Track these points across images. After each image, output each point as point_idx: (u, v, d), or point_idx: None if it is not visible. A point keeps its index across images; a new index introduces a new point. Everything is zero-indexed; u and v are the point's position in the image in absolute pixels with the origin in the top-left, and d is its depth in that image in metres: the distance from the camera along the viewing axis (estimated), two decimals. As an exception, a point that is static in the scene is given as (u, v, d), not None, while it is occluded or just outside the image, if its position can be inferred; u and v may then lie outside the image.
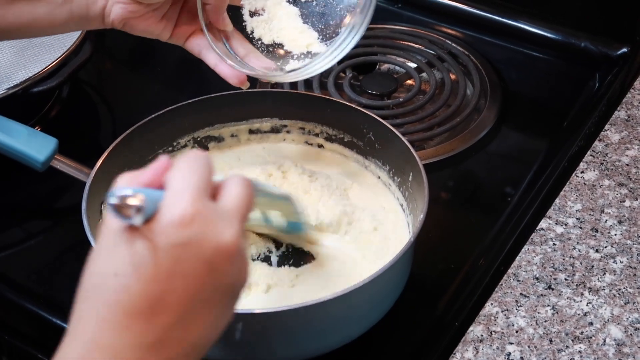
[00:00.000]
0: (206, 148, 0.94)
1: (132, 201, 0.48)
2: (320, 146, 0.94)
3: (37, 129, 0.88)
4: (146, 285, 0.48)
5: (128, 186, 0.50)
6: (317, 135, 0.94)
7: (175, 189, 0.50)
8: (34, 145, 0.82)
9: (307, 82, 1.08)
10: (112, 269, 0.49)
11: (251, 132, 0.94)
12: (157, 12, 0.78)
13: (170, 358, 0.49)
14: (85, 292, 0.50)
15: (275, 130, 0.94)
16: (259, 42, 0.84)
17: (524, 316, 0.76)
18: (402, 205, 0.87)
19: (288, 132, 0.94)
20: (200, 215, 0.49)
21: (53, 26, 0.76)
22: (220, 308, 0.52)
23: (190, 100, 0.90)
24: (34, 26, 0.75)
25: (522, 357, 0.73)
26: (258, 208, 0.78)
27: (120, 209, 0.48)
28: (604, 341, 0.74)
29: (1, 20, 0.75)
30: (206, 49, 0.80)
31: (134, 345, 0.48)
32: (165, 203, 0.50)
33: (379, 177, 0.91)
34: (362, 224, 0.85)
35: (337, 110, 0.90)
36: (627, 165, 0.91)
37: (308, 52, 0.82)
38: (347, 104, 0.90)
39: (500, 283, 0.80)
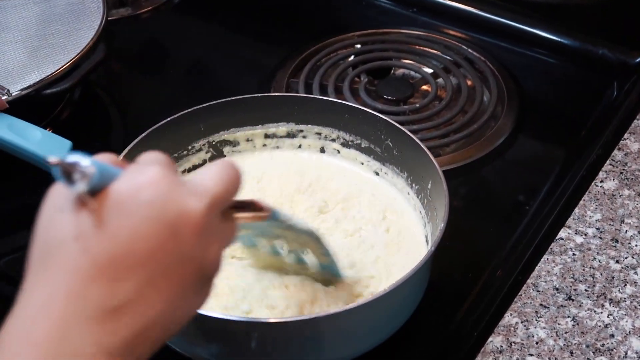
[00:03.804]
0: (221, 152, 0.93)
1: (80, 166, 0.45)
2: (337, 152, 0.94)
3: (49, 131, 0.87)
4: (108, 247, 0.45)
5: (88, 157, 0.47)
6: (333, 140, 0.92)
7: (144, 160, 0.49)
8: (48, 147, 0.81)
9: (323, 87, 1.07)
10: (73, 232, 0.46)
11: (267, 136, 0.93)
12: None
13: (123, 332, 0.45)
14: (40, 259, 0.47)
15: (291, 135, 0.93)
16: None
17: (544, 327, 0.75)
18: (420, 213, 0.86)
19: (304, 137, 0.93)
20: (166, 180, 0.47)
21: None
22: (184, 287, 0.48)
23: (206, 104, 0.89)
24: None
25: (543, 370, 0.72)
26: (286, 243, 0.76)
27: (65, 173, 0.45)
28: (626, 354, 0.73)
29: None
30: None
31: (87, 314, 0.45)
32: (131, 170, 0.48)
33: (395, 185, 0.90)
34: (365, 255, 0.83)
35: (354, 115, 0.89)
36: (648, 174, 0.91)
37: None
38: (365, 109, 0.89)
39: (519, 293, 0.78)
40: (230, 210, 0.54)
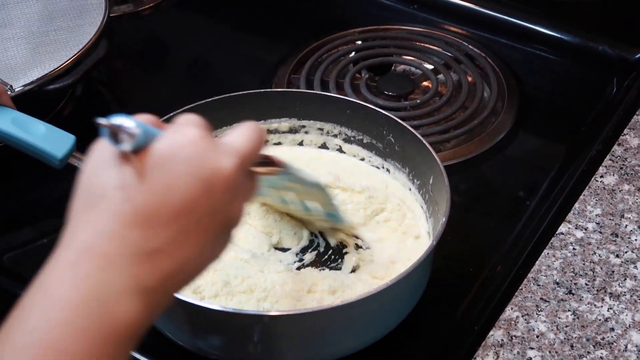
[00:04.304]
0: (223, 148, 0.93)
1: (125, 128, 0.50)
2: (339, 148, 0.94)
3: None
4: (148, 198, 0.50)
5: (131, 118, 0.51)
6: (335, 136, 0.93)
7: (182, 122, 0.54)
8: (52, 142, 0.81)
9: (324, 83, 1.08)
10: (117, 183, 0.50)
11: (269, 132, 0.94)
12: None
13: (158, 272, 0.50)
14: (84, 204, 0.51)
15: (293, 131, 0.94)
16: None
17: (545, 321, 0.76)
18: (422, 208, 0.86)
19: (306, 132, 0.94)
20: (202, 140, 0.52)
21: None
22: (212, 236, 0.53)
23: (209, 99, 0.89)
24: None
25: (543, 363, 0.73)
26: (294, 194, 0.80)
27: (112, 134, 0.50)
28: (626, 347, 0.74)
29: None
30: None
31: (127, 254, 0.49)
32: (171, 131, 0.52)
33: (397, 180, 0.90)
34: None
35: (356, 111, 0.90)
36: (647, 170, 0.91)
37: None
38: (368, 105, 0.90)
39: (520, 287, 0.79)
40: (252, 170, 0.57)
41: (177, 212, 0.50)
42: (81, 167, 0.53)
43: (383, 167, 0.91)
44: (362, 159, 0.93)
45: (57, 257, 0.49)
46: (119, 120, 0.50)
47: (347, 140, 0.93)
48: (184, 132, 0.52)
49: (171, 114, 0.87)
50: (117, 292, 0.48)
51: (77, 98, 1.09)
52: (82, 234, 0.50)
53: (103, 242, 0.49)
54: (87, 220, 0.50)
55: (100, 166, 0.52)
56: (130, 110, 1.09)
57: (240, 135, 0.55)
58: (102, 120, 0.50)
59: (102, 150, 0.52)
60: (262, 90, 0.93)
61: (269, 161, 0.62)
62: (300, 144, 0.95)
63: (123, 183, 0.50)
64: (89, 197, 0.51)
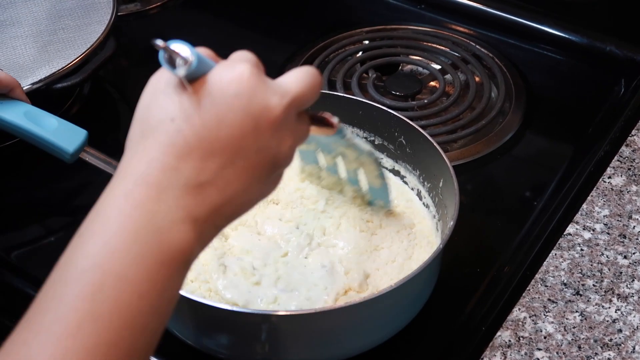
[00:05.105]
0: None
1: (182, 53, 0.50)
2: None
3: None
4: (198, 130, 0.51)
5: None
6: (346, 136, 0.93)
7: (235, 57, 0.54)
8: (64, 136, 0.80)
9: (331, 83, 1.08)
10: (171, 114, 0.51)
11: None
12: None
13: (207, 204, 0.52)
14: (139, 134, 0.52)
15: (304, 131, 0.94)
16: None
17: (552, 322, 0.76)
18: (431, 210, 0.86)
19: (318, 133, 0.94)
20: (253, 77, 0.52)
21: None
22: (260, 173, 0.54)
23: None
24: None
25: (551, 364, 0.73)
26: (343, 160, 0.81)
27: (169, 58, 0.51)
28: (634, 349, 0.74)
29: None
30: None
31: (179, 185, 0.51)
32: (223, 65, 0.53)
33: (406, 183, 0.90)
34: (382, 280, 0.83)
35: (368, 112, 0.89)
36: (655, 171, 0.91)
37: None
38: (380, 106, 0.89)
39: (527, 288, 0.79)
40: (306, 115, 0.58)
41: (225, 146, 0.52)
42: (140, 96, 0.54)
43: (394, 169, 0.91)
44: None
45: (113, 185, 0.51)
46: (177, 45, 0.51)
47: (359, 141, 0.93)
48: (235, 67, 0.53)
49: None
50: (170, 221, 0.50)
51: (85, 96, 1.09)
52: (136, 164, 0.51)
53: (156, 172, 0.51)
54: (142, 150, 0.52)
55: (156, 95, 0.53)
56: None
57: (294, 77, 0.56)
58: (159, 42, 0.50)
59: (159, 78, 0.54)
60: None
61: (324, 120, 0.63)
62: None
63: (176, 114, 0.51)
64: (144, 127, 0.52)
